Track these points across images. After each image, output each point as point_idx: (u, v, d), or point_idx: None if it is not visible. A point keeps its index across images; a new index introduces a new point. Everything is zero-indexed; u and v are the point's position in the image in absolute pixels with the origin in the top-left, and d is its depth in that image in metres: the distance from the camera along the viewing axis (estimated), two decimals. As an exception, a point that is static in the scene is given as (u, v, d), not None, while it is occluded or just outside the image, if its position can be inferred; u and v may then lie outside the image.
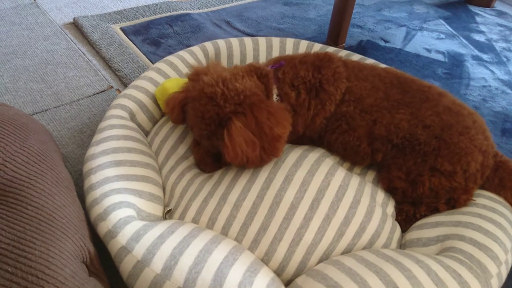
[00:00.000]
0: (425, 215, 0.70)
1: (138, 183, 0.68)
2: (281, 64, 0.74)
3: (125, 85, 1.05)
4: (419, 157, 0.69)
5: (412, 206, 0.71)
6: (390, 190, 0.73)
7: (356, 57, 0.95)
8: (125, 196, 0.64)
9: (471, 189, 0.69)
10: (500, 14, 1.57)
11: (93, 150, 0.70)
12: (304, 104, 0.73)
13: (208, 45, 0.96)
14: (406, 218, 0.71)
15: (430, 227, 0.66)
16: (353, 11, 1.39)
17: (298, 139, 0.78)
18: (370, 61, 0.94)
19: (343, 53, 0.97)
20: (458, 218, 0.65)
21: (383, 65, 0.92)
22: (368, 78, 0.74)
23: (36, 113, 0.94)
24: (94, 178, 0.65)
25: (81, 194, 0.66)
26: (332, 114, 0.74)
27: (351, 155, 0.76)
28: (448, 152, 0.67)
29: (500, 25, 1.49)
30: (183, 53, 0.94)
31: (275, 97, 0.72)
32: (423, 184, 0.68)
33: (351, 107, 0.73)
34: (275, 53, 0.99)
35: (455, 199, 0.68)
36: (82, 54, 1.15)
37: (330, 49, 0.98)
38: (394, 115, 0.71)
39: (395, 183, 0.71)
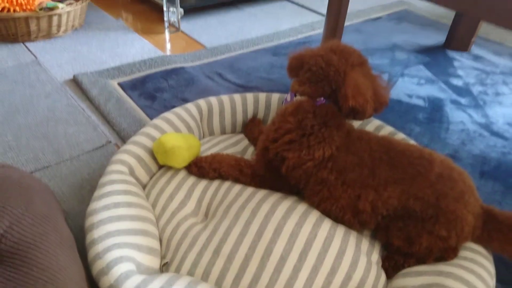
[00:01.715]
0: (413, 266, 0.74)
1: (137, 237, 0.72)
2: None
3: (123, 139, 1.10)
4: (418, 222, 0.71)
5: (403, 256, 0.74)
6: (386, 245, 0.76)
7: (375, 123, 1.00)
8: (125, 250, 0.68)
9: (459, 248, 0.73)
10: (476, 58, 1.67)
11: (94, 205, 0.75)
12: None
13: (202, 102, 1.03)
14: (394, 266, 0.74)
15: (414, 276, 0.70)
16: (338, 59, 1.48)
17: (275, 177, 0.82)
18: (387, 128, 0.98)
19: (374, 123, 1.00)
20: (440, 268, 0.69)
21: (389, 128, 0.98)
22: (358, 152, 0.75)
23: (38, 170, 0.99)
24: (96, 233, 0.69)
25: (81, 249, 0.70)
26: (311, 173, 0.76)
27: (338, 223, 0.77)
28: (445, 220, 0.69)
29: (476, 69, 1.58)
30: (178, 109, 1.00)
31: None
32: (420, 244, 0.71)
33: (332, 176, 0.74)
34: (261, 107, 1.07)
35: (444, 258, 0.72)
36: (82, 110, 1.21)
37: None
38: (381, 193, 0.72)
39: (393, 241, 0.73)
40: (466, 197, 0.71)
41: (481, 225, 0.73)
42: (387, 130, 0.98)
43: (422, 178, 0.71)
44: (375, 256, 0.75)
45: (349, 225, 0.76)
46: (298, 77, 0.82)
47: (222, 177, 0.86)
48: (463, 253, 0.73)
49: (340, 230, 0.74)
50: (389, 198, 0.72)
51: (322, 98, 0.78)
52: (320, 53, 0.77)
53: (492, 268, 0.71)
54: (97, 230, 0.70)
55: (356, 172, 0.74)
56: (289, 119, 0.79)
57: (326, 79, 0.76)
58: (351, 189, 0.73)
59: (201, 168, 0.86)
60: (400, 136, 0.96)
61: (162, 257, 0.75)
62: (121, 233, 0.70)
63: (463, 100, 1.37)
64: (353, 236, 0.74)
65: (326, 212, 0.76)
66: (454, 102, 1.36)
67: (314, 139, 0.76)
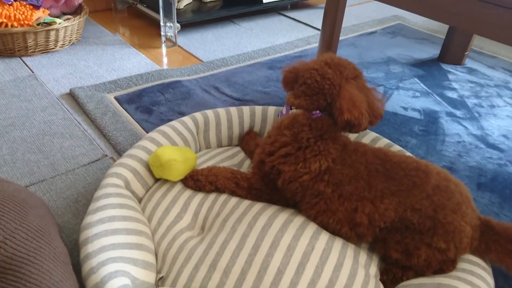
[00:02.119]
0: (411, 278, 0.73)
1: (132, 251, 0.71)
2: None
3: (119, 153, 1.10)
4: (416, 234, 0.71)
5: (401, 269, 0.74)
6: (384, 258, 0.76)
7: (371, 135, 1.01)
8: (120, 264, 0.67)
9: (458, 260, 0.73)
10: (471, 71, 1.69)
11: (89, 218, 0.74)
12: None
13: (198, 115, 1.03)
14: (393, 279, 0.73)
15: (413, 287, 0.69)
16: (334, 73, 1.49)
17: (272, 190, 0.82)
18: (383, 140, 0.99)
19: (370, 135, 1.01)
20: (439, 280, 0.69)
21: (385, 141, 0.98)
22: (354, 164, 0.75)
23: (33, 184, 0.98)
24: (91, 247, 0.68)
25: (75, 263, 0.69)
26: (307, 186, 0.76)
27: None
28: (443, 231, 0.69)
29: (471, 82, 1.59)
30: (174, 123, 1.00)
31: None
32: (418, 256, 0.71)
33: (329, 189, 0.74)
34: (258, 120, 1.07)
35: (443, 270, 0.72)
36: (78, 124, 1.21)
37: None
38: (377, 205, 0.72)
39: (391, 253, 0.73)
40: (463, 208, 0.71)
41: (478, 236, 0.73)
42: (383, 142, 0.98)
43: (419, 190, 0.71)
44: (373, 269, 0.74)
45: (347, 238, 0.75)
46: (293, 90, 0.82)
47: (219, 190, 0.85)
48: (461, 264, 0.72)
49: (338, 242, 0.73)
50: (386, 210, 0.71)
51: (317, 111, 0.78)
52: (315, 67, 0.78)
53: (491, 280, 0.70)
54: (92, 244, 0.69)
55: (353, 185, 0.73)
56: (285, 132, 0.79)
57: (321, 92, 0.76)
58: (348, 201, 0.73)
59: (197, 181, 0.86)
60: (396, 148, 0.96)
61: (158, 272, 0.74)
62: (116, 247, 0.69)
63: (458, 113, 1.38)
64: (350, 249, 0.73)
65: (323, 225, 0.76)
66: (449, 114, 1.37)
67: (310, 152, 0.76)
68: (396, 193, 0.72)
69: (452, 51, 1.73)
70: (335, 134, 0.78)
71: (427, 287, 0.68)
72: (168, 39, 1.82)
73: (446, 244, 0.69)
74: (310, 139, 0.77)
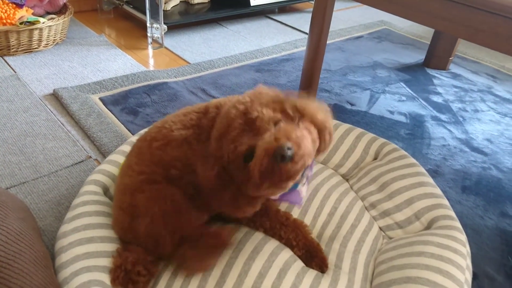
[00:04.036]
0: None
1: (107, 259, 0.69)
2: None
3: (104, 154, 1.08)
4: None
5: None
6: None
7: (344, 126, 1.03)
8: (94, 274, 0.65)
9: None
10: (455, 76, 1.71)
11: (65, 227, 0.72)
12: None
13: (184, 116, 1.01)
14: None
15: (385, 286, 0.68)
16: (321, 76, 1.50)
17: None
18: (344, 126, 1.02)
19: (344, 126, 1.02)
20: (408, 273, 0.67)
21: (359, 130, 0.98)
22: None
23: (14, 186, 0.95)
24: (65, 257, 0.67)
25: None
26: None
27: None
28: None
29: (455, 87, 1.62)
30: (159, 124, 0.99)
31: None
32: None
33: None
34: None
35: None
36: (61, 125, 1.18)
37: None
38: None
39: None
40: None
41: None
42: (379, 142, 0.98)
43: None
44: (359, 275, 0.73)
45: None
46: None
47: None
48: (429, 248, 0.70)
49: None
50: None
51: None
52: None
53: (463, 261, 0.69)
54: (65, 254, 0.67)
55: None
56: None
57: None
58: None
59: None
60: (392, 146, 0.97)
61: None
62: (91, 256, 0.68)
63: (443, 117, 1.40)
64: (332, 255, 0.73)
65: None
66: (434, 118, 1.38)
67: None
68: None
69: (437, 56, 1.75)
70: None
71: (397, 282, 0.67)
72: (154, 41, 1.80)
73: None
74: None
